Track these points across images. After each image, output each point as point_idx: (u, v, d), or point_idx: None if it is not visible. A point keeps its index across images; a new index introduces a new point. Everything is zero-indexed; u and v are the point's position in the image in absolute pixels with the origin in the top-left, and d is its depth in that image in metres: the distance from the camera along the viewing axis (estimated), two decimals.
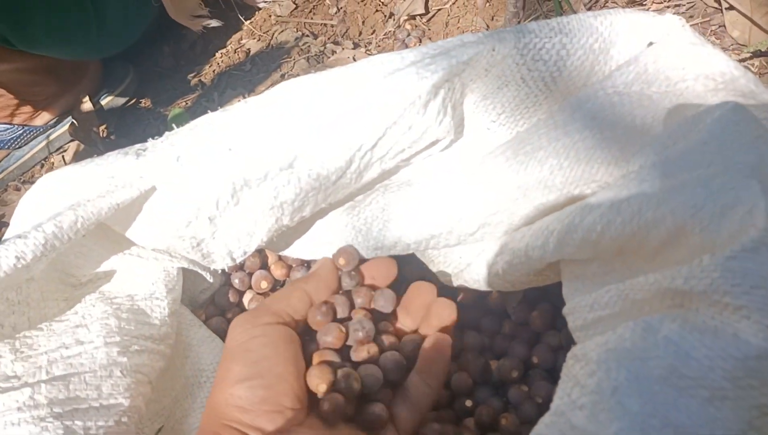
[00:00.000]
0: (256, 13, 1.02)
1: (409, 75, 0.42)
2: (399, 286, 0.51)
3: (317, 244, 0.51)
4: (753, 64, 0.80)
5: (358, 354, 0.45)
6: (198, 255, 0.48)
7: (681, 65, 0.39)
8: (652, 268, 0.35)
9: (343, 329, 0.45)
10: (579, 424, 0.33)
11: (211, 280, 0.60)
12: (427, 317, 0.48)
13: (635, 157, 0.37)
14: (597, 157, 0.39)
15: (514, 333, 0.59)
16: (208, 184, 0.43)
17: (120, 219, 0.46)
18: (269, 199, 0.45)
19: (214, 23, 0.93)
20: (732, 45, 0.81)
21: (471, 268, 0.51)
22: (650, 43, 0.40)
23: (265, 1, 1.01)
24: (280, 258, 0.63)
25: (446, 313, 0.47)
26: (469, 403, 0.55)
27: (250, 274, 0.62)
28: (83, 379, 0.45)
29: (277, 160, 0.43)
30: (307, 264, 0.61)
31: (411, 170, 0.49)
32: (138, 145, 0.45)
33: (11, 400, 0.41)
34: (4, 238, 0.44)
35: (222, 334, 0.58)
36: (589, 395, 0.33)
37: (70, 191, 0.44)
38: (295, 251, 0.53)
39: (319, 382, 0.42)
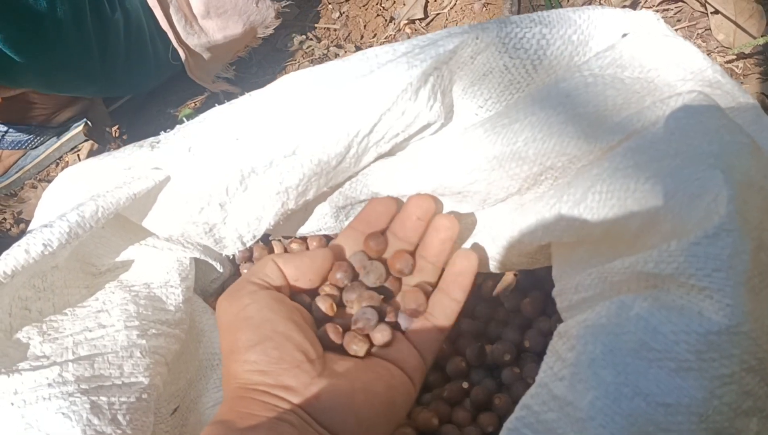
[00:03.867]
0: None
1: (401, 64, 0.45)
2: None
3: (318, 225, 0.55)
4: (737, 66, 0.83)
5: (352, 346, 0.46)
6: (211, 240, 0.51)
7: (654, 54, 0.43)
8: (632, 253, 0.38)
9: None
10: (559, 393, 0.36)
11: (221, 270, 0.63)
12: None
13: (605, 134, 0.40)
14: (568, 131, 0.42)
15: (507, 319, 0.62)
16: (218, 173, 0.47)
17: (137, 209, 0.49)
18: (275, 184, 0.48)
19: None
20: (717, 47, 0.84)
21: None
22: (625, 35, 0.43)
23: None
24: (285, 250, 0.67)
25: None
26: (465, 384, 0.57)
27: None
28: (106, 359, 0.48)
29: (281, 148, 0.46)
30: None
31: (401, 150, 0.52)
32: (152, 138, 0.48)
33: (42, 377, 0.44)
34: (30, 228, 0.47)
35: None
36: (569, 367, 0.36)
37: (90, 183, 0.47)
38: (297, 231, 0.56)
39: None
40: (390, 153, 0.52)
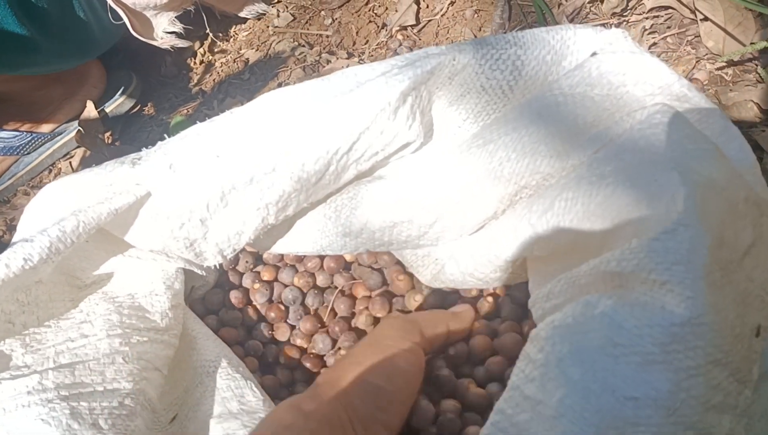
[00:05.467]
0: (255, 24, 1.06)
1: (379, 84, 0.46)
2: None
3: (298, 240, 0.55)
4: (727, 73, 0.83)
5: None
6: (191, 254, 0.52)
7: (622, 71, 0.44)
8: (598, 256, 0.39)
9: None
10: (530, 394, 0.37)
11: (206, 276, 0.64)
12: None
13: (576, 151, 0.41)
14: (541, 150, 0.43)
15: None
16: (198, 189, 0.48)
17: (119, 224, 0.50)
18: (255, 200, 0.49)
19: (181, 43, 0.95)
20: (706, 54, 0.85)
21: (445, 269, 0.55)
22: (594, 53, 0.44)
23: (250, 13, 1.05)
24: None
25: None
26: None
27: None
28: (87, 366, 0.48)
29: (261, 166, 0.47)
30: (293, 265, 0.64)
31: (383, 168, 0.53)
32: (133, 155, 0.49)
33: (21, 385, 0.45)
34: (12, 241, 0.48)
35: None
36: (539, 368, 0.37)
37: (71, 198, 0.48)
38: (280, 248, 0.57)
39: None
40: (371, 171, 0.53)
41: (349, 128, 0.47)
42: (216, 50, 1.06)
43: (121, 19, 0.85)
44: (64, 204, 0.48)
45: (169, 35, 0.93)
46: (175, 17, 0.92)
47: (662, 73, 0.43)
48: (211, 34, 1.02)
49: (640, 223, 0.35)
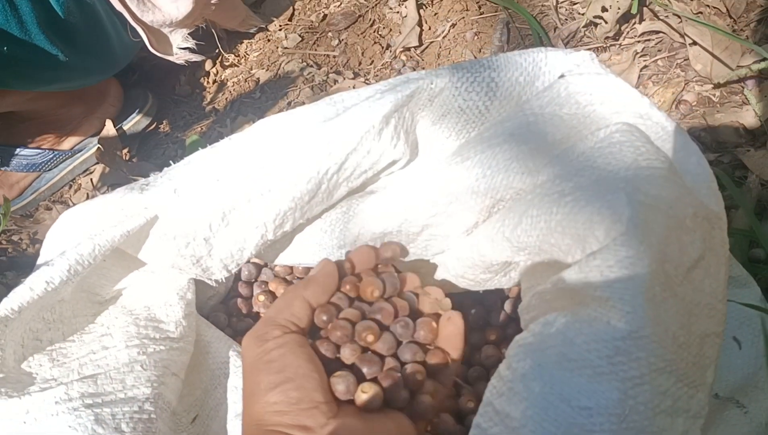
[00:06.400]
0: (265, 45, 1.11)
1: (363, 108, 0.50)
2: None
3: (299, 253, 0.59)
4: (714, 95, 0.86)
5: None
6: (198, 270, 0.56)
7: (589, 91, 0.46)
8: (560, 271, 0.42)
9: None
10: (500, 408, 0.39)
11: (217, 287, 0.68)
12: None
13: (545, 168, 0.44)
14: (513, 167, 0.46)
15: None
16: (201, 211, 0.52)
17: (132, 243, 0.54)
18: (254, 219, 0.53)
19: (195, 58, 0.99)
20: (695, 77, 0.88)
21: (439, 271, 0.58)
22: (562, 75, 0.47)
23: (260, 27, 1.09)
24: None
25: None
26: None
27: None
28: (109, 375, 0.53)
29: (258, 187, 0.51)
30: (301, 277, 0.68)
31: (373, 184, 0.56)
32: (142, 181, 0.53)
33: (50, 396, 0.49)
34: (36, 264, 0.53)
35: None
36: (506, 383, 0.40)
37: (87, 223, 0.53)
38: (282, 260, 0.61)
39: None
40: (362, 187, 0.56)
41: (337, 150, 0.50)
42: (227, 64, 1.10)
43: (140, 36, 0.90)
44: (80, 228, 0.53)
45: (183, 51, 0.98)
46: (188, 34, 0.97)
47: (626, 92, 0.45)
48: (222, 52, 1.07)
49: (591, 240, 0.38)
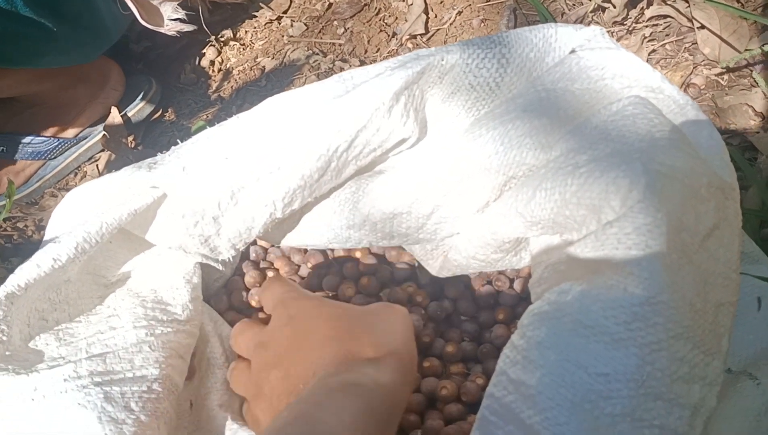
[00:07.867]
0: (270, 33, 1.10)
1: (373, 85, 0.49)
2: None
3: (307, 233, 0.59)
4: (723, 78, 0.87)
5: None
6: (206, 249, 0.56)
7: (600, 66, 0.46)
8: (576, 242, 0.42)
9: None
10: (515, 377, 0.40)
11: (223, 269, 0.68)
12: None
13: (559, 142, 0.44)
14: (526, 143, 0.45)
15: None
16: (210, 189, 0.51)
17: (139, 223, 0.54)
18: (263, 198, 0.52)
19: (187, 28, 0.97)
20: (703, 60, 0.88)
21: (449, 255, 0.58)
22: (573, 50, 0.47)
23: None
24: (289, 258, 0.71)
25: None
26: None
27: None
28: (117, 355, 0.52)
29: (267, 165, 0.51)
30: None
31: (382, 163, 0.56)
32: (150, 159, 0.53)
33: (58, 374, 0.49)
34: (41, 244, 0.52)
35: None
36: (521, 352, 0.40)
37: (94, 202, 0.52)
38: (289, 241, 0.61)
39: None
40: (371, 166, 0.56)
41: (346, 127, 0.50)
42: (231, 51, 1.09)
43: (129, 8, 0.89)
44: (87, 207, 0.52)
45: (174, 22, 0.96)
46: (177, 5, 0.96)
47: (637, 66, 0.45)
48: (206, 29, 1.05)
49: (607, 210, 0.37)
